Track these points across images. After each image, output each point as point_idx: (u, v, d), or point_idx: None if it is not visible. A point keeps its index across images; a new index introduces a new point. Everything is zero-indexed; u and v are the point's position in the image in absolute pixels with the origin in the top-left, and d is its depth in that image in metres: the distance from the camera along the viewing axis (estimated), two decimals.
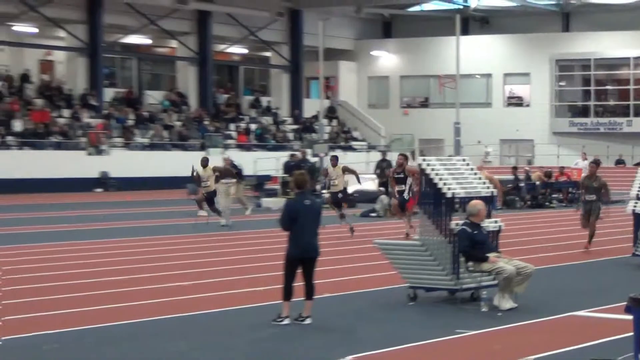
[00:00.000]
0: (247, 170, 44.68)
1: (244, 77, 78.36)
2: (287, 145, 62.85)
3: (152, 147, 59.27)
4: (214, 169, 31.17)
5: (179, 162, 55.44)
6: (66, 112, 59.42)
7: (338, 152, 59.64)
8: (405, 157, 27.91)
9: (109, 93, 64.36)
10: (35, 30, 63.37)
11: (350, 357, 10.35)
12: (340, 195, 29.35)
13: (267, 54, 76.12)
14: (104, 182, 52.91)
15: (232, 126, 67.01)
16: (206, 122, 65.20)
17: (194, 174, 31.01)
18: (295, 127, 70.75)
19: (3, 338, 13.58)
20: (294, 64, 73.40)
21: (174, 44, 70.15)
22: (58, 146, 54.98)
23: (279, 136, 67.99)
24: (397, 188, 27.27)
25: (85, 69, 62.34)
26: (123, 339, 13.91)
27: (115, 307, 16.43)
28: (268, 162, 51.44)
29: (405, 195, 27.00)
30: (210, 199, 30.62)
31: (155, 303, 16.77)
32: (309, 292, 14.75)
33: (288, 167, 41.89)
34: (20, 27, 62.35)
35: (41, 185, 49.56)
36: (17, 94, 59.85)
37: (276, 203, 38.03)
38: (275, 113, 72.59)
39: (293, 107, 73.40)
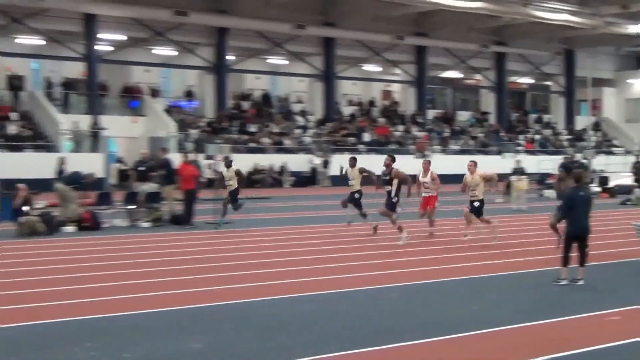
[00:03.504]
0: (532, 169, 43.72)
1: (530, 100, 77.20)
2: (562, 151, 61.15)
3: (462, 152, 59.14)
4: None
5: (481, 163, 55.24)
6: (400, 127, 60.15)
7: (601, 156, 57.83)
8: (393, 159, 20.63)
9: (431, 113, 64.77)
10: (379, 69, 64.44)
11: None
12: (357, 195, 22.67)
13: (548, 83, 74.42)
14: None
15: (521, 137, 65.89)
16: (502, 134, 64.51)
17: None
18: (568, 137, 68.78)
19: (358, 288, 13.92)
20: (569, 90, 71.54)
21: (478, 77, 69.79)
22: (394, 152, 55.62)
23: (557, 144, 66.33)
24: (385, 189, 20.25)
25: (414, 96, 63.01)
26: (443, 291, 13.90)
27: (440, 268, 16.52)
28: (548, 163, 50.10)
29: (393, 197, 20.08)
30: (233, 197, 24.25)
31: (455, 267, 16.70)
32: (582, 260, 14.34)
33: (563, 167, 40.79)
34: (368, 67, 63.55)
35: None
36: (366, 115, 61.17)
37: (554, 194, 37.07)
38: (554, 127, 70.94)
39: (567, 122, 71.60)
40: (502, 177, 35.00)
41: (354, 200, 22.76)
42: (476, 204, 20.23)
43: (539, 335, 10.61)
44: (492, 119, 67.75)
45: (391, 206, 20.14)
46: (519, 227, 24.90)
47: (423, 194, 22.09)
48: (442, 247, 19.70)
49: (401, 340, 10.09)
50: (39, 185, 26.19)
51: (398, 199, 20.18)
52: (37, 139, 43.71)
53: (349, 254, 18.23)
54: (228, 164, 24.60)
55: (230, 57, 53.95)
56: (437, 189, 22.36)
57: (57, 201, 24.49)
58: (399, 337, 10.22)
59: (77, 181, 24.95)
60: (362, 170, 22.77)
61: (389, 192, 20.09)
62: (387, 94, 66.74)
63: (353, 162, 23.08)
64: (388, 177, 20.09)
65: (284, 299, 12.94)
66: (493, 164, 53.22)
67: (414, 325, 11.09)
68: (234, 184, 24.16)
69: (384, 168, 20.44)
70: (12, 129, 43.76)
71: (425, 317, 11.73)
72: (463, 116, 67.81)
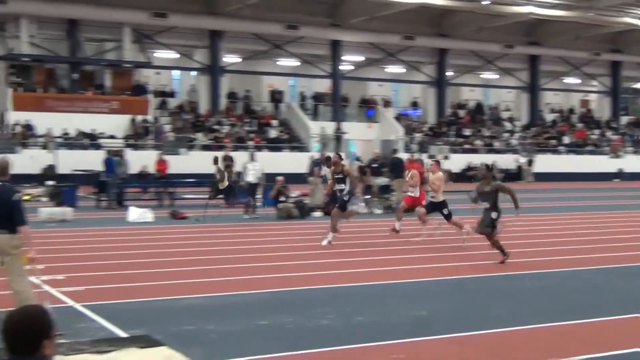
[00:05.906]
0: None
1: None
2: None
3: None
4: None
5: None
6: (596, 132, 57.43)
7: None
8: (340, 157, 17.37)
9: (624, 119, 61.40)
10: (578, 81, 61.83)
11: None
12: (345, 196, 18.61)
13: None
14: (620, 175, 50.46)
15: None
16: None
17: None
18: None
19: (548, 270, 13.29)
20: None
21: None
22: (591, 152, 53.26)
23: None
24: (337, 187, 16.88)
25: (608, 104, 60.38)
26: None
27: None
28: None
29: (345, 195, 16.66)
30: (229, 192, 22.07)
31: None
32: None
33: None
34: (568, 80, 61.08)
35: (577, 177, 48.14)
36: (565, 121, 58.88)
37: None
38: None
39: None
40: None
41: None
42: (445, 211, 16.66)
43: None
44: None
45: (342, 205, 16.78)
46: None
47: (408, 193, 18.44)
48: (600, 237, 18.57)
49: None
50: (294, 179, 26.99)
51: (350, 197, 16.90)
52: (292, 141, 45.14)
53: (552, 239, 17.54)
54: (215, 161, 21.78)
55: (449, 73, 53.68)
56: (418, 187, 18.20)
57: (308, 191, 25.19)
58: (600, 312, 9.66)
59: (317, 164, 26.37)
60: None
61: (341, 191, 16.75)
62: (584, 103, 63.94)
63: (328, 162, 18.88)
64: (341, 175, 16.72)
65: (497, 276, 12.60)
66: None
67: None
68: (224, 181, 21.91)
69: (333, 167, 17.08)
70: (273, 133, 45.49)
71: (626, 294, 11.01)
72: None
